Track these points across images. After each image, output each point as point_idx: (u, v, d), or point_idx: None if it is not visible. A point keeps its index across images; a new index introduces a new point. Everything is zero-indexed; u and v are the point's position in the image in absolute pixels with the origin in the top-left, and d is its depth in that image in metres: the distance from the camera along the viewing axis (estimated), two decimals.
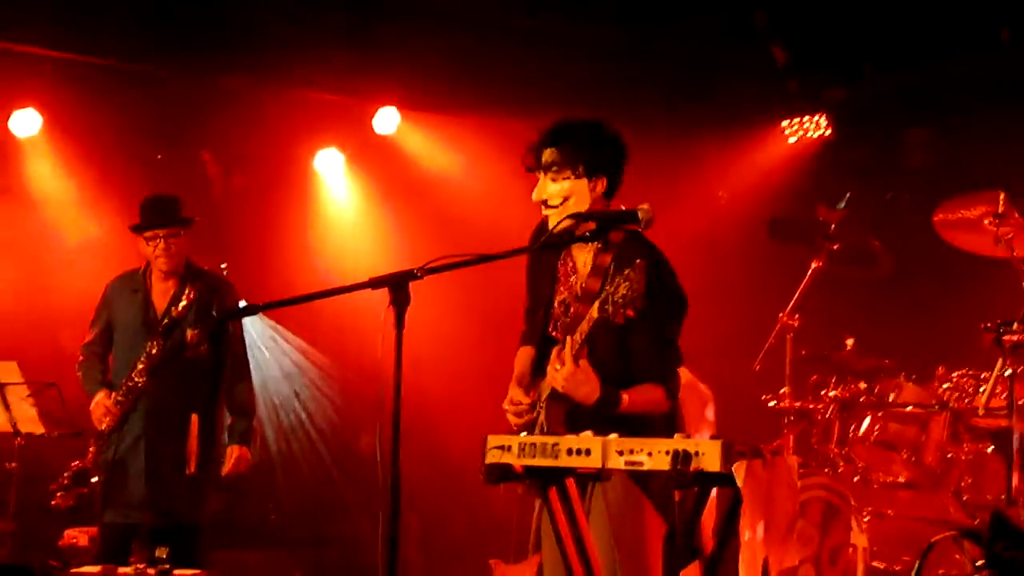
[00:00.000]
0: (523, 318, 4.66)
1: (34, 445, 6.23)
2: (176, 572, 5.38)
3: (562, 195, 4.27)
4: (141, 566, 5.33)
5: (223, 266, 8.76)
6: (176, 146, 8.75)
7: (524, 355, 4.58)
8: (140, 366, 6.02)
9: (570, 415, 4.21)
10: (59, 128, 8.25)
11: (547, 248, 4.38)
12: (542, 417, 4.31)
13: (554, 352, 4.18)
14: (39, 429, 6.01)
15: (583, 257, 4.39)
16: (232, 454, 6.22)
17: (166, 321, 6.05)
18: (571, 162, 4.28)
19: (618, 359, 4.19)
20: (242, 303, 8.23)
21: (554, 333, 4.36)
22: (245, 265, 8.66)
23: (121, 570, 5.39)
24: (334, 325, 8.46)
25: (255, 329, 9.03)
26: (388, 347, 3.67)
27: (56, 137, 8.27)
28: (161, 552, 5.30)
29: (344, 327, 8.17)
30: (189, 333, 6.04)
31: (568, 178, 4.28)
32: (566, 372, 4.08)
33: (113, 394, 6.04)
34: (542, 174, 4.32)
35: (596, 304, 4.00)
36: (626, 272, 3.91)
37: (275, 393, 9.08)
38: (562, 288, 4.43)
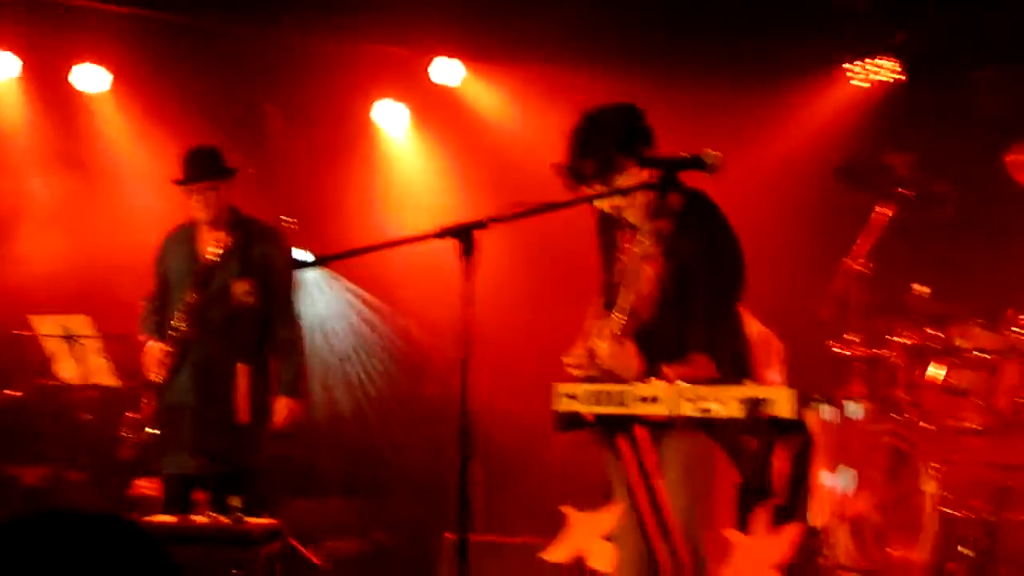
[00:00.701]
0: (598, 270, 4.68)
1: (107, 397, 6.30)
2: (248, 520, 5.46)
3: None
4: (214, 514, 5.42)
5: (289, 220, 8.84)
6: (240, 100, 8.79)
7: (596, 307, 4.61)
8: (178, 314, 6.06)
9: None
10: (126, 84, 8.33)
11: (616, 194, 4.35)
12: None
13: (598, 325, 4.20)
14: (111, 381, 6.08)
15: (642, 222, 4.37)
16: (280, 405, 6.21)
17: (196, 268, 6.08)
18: (607, 163, 4.26)
19: (667, 331, 4.20)
20: (300, 253, 8.31)
21: (614, 300, 4.35)
22: (309, 217, 8.71)
23: (195, 518, 5.48)
24: (399, 276, 8.48)
25: (319, 280, 9.10)
26: (458, 297, 3.67)
27: (123, 93, 8.35)
28: (235, 500, 5.38)
29: (409, 278, 8.19)
30: (236, 284, 6.07)
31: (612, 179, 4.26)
32: (606, 349, 4.09)
33: (161, 344, 6.10)
34: (592, 186, 4.31)
35: (631, 295, 4.01)
36: (675, 248, 3.90)
37: (340, 344, 9.13)
38: (622, 255, 4.44)
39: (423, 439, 8.41)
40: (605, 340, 4.12)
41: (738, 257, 4.28)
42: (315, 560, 7.31)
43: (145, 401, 6.07)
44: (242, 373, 6.07)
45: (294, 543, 7.27)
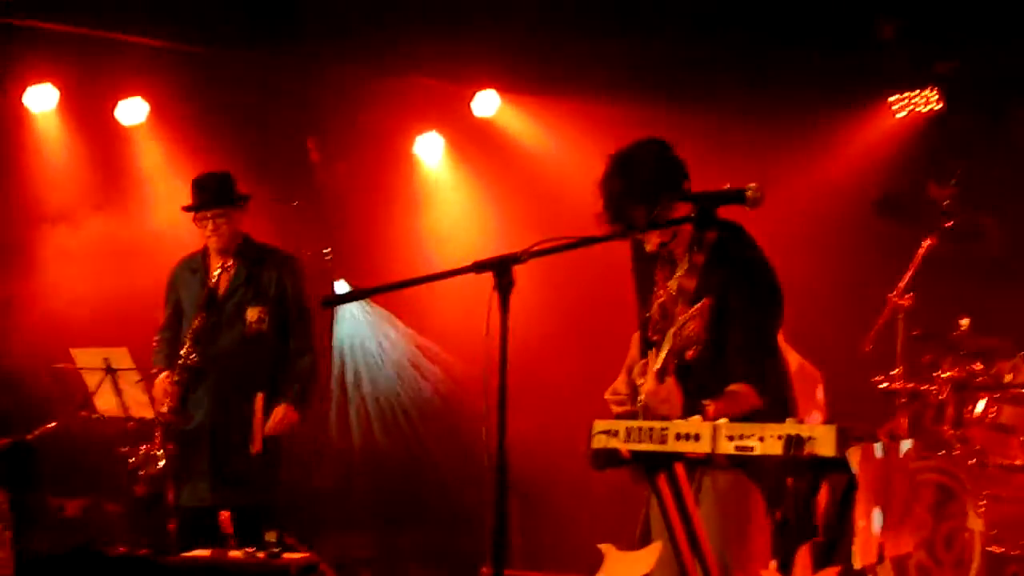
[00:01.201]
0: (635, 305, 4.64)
1: (145, 430, 6.29)
2: (285, 555, 5.43)
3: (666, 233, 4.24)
4: (251, 549, 5.39)
5: (326, 251, 8.85)
6: (280, 133, 8.81)
7: (633, 344, 4.57)
8: (187, 341, 6.05)
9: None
10: (165, 116, 8.36)
11: (651, 228, 4.31)
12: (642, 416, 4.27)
13: (640, 364, 4.16)
14: (150, 413, 6.08)
15: (681, 261, 4.33)
16: (277, 410, 6.15)
17: (205, 293, 6.06)
18: (655, 207, 4.20)
19: (708, 366, 4.13)
20: (341, 285, 8.29)
21: (653, 337, 4.32)
22: (349, 250, 8.71)
23: (231, 553, 5.45)
24: (439, 310, 8.45)
25: (360, 314, 9.09)
26: (493, 331, 3.63)
27: (161, 125, 8.39)
28: (270, 536, 5.35)
29: (449, 311, 8.16)
30: (250, 311, 6.05)
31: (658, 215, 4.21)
32: (648, 388, 4.07)
33: (170, 374, 6.09)
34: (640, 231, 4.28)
35: (670, 333, 3.98)
36: (690, 311, 3.88)
37: (378, 377, 9.12)
38: (660, 290, 4.39)
39: (461, 472, 8.36)
40: (648, 378, 4.07)
41: (775, 286, 4.23)
42: None
43: (157, 434, 6.05)
44: (259, 403, 6.06)
45: None
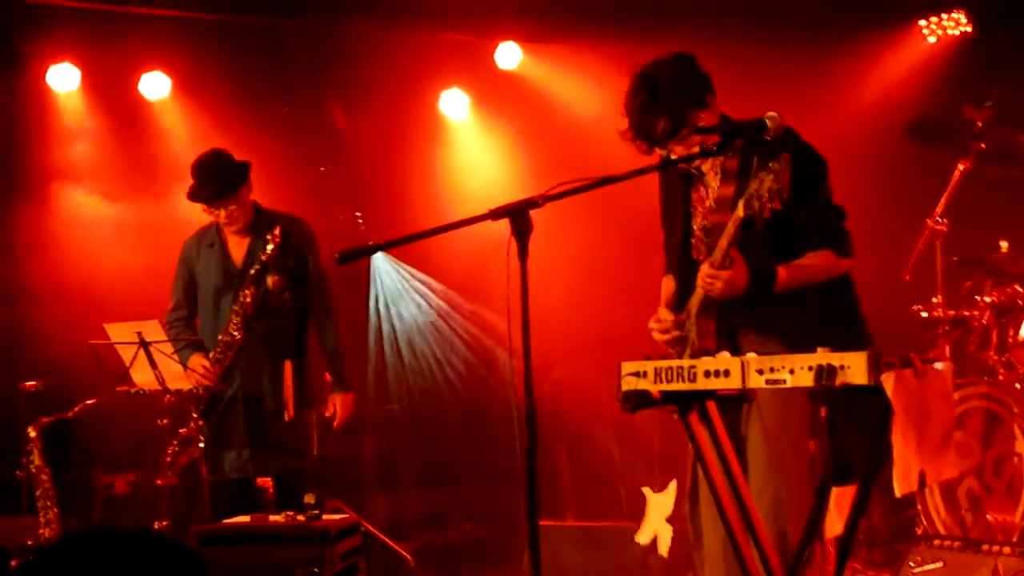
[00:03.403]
0: (663, 247, 4.58)
1: (184, 401, 6.29)
2: (325, 516, 5.42)
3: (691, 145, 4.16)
4: (291, 512, 5.39)
5: (359, 215, 8.82)
6: (303, 98, 8.77)
7: (666, 283, 4.51)
8: (236, 319, 5.99)
9: (720, 325, 4.15)
10: (187, 89, 8.34)
11: (670, 165, 4.24)
12: (692, 334, 4.21)
13: (701, 269, 4.07)
14: (187, 385, 6.08)
15: (710, 175, 4.27)
16: (335, 403, 6.17)
17: (257, 267, 5.99)
18: (678, 119, 4.15)
19: (773, 253, 4.08)
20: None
21: (699, 258, 4.25)
22: (378, 212, 8.67)
23: (272, 518, 5.46)
24: (468, 264, 8.40)
25: (388, 272, 9.07)
26: (514, 277, 3.57)
27: (185, 98, 8.37)
28: (309, 498, 5.34)
29: (477, 265, 8.11)
30: (270, 280, 6.00)
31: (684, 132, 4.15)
32: (706, 272, 4.01)
33: (211, 353, 6.05)
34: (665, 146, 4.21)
35: (741, 203, 3.84)
36: (770, 165, 3.74)
37: (414, 336, 9.10)
38: (698, 214, 4.32)
39: (503, 426, 8.34)
40: (704, 266, 4.05)
41: (821, 158, 4.20)
42: (407, 556, 7.29)
43: (194, 414, 6.05)
44: (288, 371, 6.04)
45: (384, 539, 7.27)
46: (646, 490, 6.05)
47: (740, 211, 3.85)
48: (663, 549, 5.81)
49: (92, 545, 2.48)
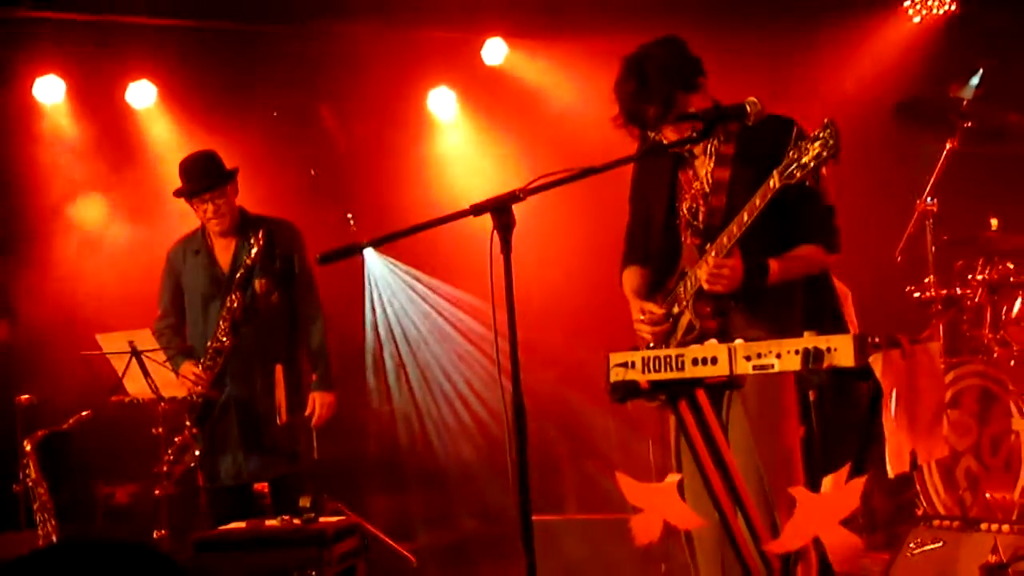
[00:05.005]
0: (624, 240, 4.57)
1: (179, 409, 6.28)
2: (323, 519, 5.41)
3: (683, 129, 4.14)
4: (287, 517, 5.37)
5: (349, 216, 8.80)
6: (290, 101, 8.75)
7: (632, 274, 4.49)
8: (223, 324, 5.98)
9: (718, 305, 4.13)
10: (174, 97, 8.32)
11: (650, 155, 4.23)
12: (689, 317, 4.20)
13: (706, 259, 4.07)
14: (181, 392, 6.06)
15: (702, 158, 4.25)
16: (314, 402, 6.12)
17: (241, 272, 5.98)
18: (668, 103, 4.14)
19: (775, 241, 4.09)
20: (368, 252, 8.22)
21: (688, 239, 4.25)
22: (369, 212, 8.65)
23: (268, 522, 5.44)
24: (457, 261, 8.38)
25: (379, 272, 9.06)
26: (498, 272, 3.57)
27: (172, 105, 8.35)
28: (304, 501, 5.33)
29: (464, 261, 8.09)
30: (257, 283, 5.98)
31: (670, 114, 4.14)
32: (707, 268, 4.02)
33: (202, 360, 6.04)
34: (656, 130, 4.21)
35: (776, 173, 3.81)
36: (816, 133, 3.72)
37: (404, 333, 9.08)
38: (686, 195, 4.30)
39: (503, 421, 8.33)
40: (702, 261, 4.06)
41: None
42: (409, 556, 7.28)
43: (187, 422, 6.03)
44: (279, 374, 6.03)
45: (386, 539, 7.26)
46: (620, 475, 6.02)
47: (776, 181, 3.83)
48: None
49: (64, 557, 2.47)
